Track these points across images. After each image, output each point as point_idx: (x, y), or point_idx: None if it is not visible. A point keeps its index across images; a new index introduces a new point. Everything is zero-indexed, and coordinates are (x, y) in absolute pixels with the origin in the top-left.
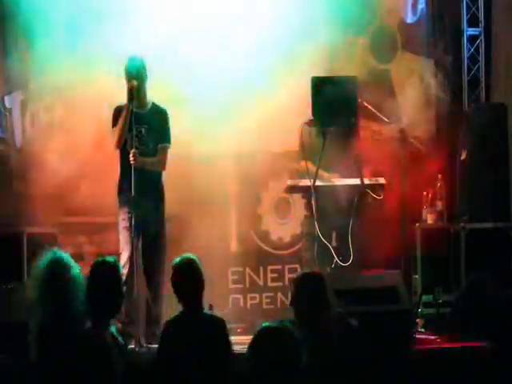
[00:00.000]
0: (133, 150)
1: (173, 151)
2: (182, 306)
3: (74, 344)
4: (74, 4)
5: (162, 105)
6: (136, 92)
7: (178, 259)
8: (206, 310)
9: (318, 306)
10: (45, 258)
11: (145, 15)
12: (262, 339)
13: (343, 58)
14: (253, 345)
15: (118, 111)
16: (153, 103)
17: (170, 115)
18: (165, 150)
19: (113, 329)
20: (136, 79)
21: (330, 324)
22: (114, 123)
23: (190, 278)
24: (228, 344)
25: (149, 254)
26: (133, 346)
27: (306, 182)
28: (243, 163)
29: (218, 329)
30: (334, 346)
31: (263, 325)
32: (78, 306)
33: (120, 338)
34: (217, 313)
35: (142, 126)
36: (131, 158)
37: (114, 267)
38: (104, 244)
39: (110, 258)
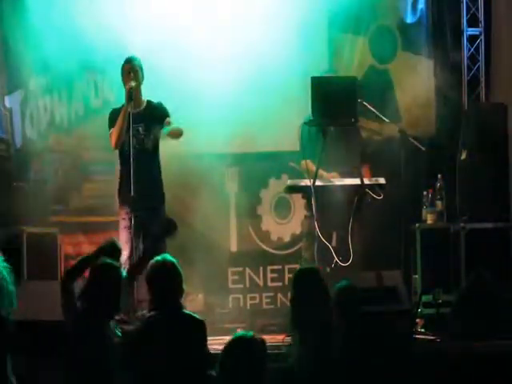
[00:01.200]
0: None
1: (173, 151)
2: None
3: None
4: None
5: (158, 101)
6: (134, 92)
7: (158, 258)
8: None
9: (316, 301)
10: None
11: (143, 13)
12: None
13: (343, 58)
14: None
15: (114, 113)
16: (148, 101)
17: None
18: (170, 122)
19: (112, 324)
20: (133, 79)
21: (328, 319)
22: (112, 125)
23: (162, 280)
24: (204, 346)
25: (149, 254)
26: None
27: (306, 182)
28: (243, 163)
29: (195, 330)
30: (332, 344)
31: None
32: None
33: (118, 331)
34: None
35: (138, 125)
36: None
37: (117, 270)
38: None
39: (112, 261)
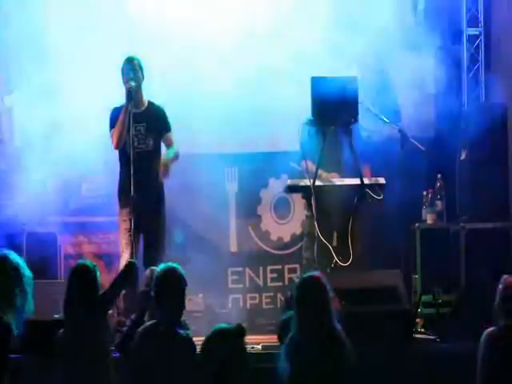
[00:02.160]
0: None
1: (173, 138)
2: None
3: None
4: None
5: (160, 103)
6: (134, 93)
7: (161, 266)
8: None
9: (319, 310)
10: None
11: (143, 14)
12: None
13: (344, 58)
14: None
15: (115, 112)
16: (149, 102)
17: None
18: (171, 139)
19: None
20: (133, 80)
21: (331, 327)
22: (113, 125)
23: (169, 291)
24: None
25: (150, 255)
26: None
27: (306, 182)
28: (243, 163)
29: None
30: (334, 348)
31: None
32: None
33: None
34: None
35: (140, 125)
36: (164, 176)
37: (92, 270)
38: (104, 244)
39: (88, 262)
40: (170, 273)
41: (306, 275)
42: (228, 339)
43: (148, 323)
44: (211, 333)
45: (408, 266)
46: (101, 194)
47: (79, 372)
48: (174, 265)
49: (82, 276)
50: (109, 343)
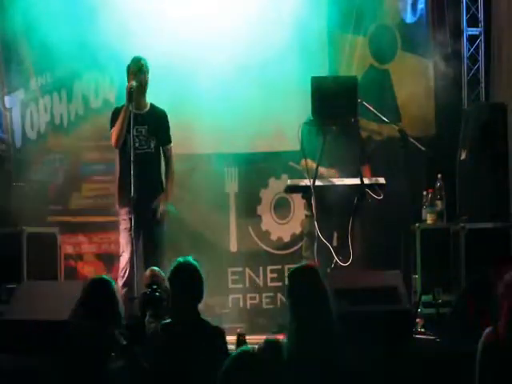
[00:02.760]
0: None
1: (173, 151)
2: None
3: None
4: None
5: (161, 106)
6: (135, 93)
7: (180, 260)
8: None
9: (314, 299)
10: None
11: (147, 15)
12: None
13: (343, 58)
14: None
15: (116, 112)
16: (151, 104)
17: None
18: (170, 152)
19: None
20: (137, 80)
21: (327, 321)
22: (113, 124)
23: (185, 285)
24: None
25: (149, 255)
26: None
27: (306, 182)
28: (243, 163)
29: (216, 340)
30: (331, 345)
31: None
32: None
33: (122, 338)
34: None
35: (141, 127)
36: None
37: (110, 286)
38: (104, 244)
39: (106, 277)
40: (183, 267)
41: (297, 265)
42: (255, 365)
43: (164, 322)
44: (236, 355)
45: (408, 266)
46: (101, 194)
47: (80, 372)
48: (190, 259)
49: (103, 287)
50: (110, 343)
